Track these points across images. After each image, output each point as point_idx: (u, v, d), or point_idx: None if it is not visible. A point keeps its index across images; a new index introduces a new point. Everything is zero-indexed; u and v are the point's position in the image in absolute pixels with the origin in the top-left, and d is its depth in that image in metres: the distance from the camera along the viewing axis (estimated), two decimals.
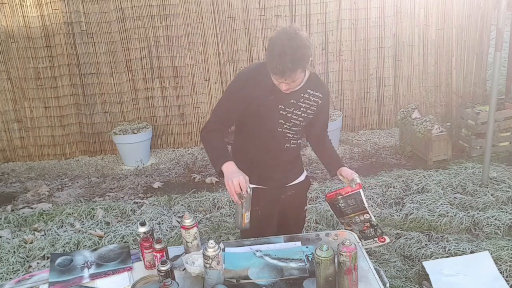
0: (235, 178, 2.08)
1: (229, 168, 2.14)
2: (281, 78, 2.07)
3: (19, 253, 3.65)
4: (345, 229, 2.41)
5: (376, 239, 2.33)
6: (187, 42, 5.45)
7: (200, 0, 5.28)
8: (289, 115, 2.30)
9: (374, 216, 2.33)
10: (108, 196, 4.71)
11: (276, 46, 2.02)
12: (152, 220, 4.01)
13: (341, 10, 5.45)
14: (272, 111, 2.27)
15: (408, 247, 3.41)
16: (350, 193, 2.29)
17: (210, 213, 4.17)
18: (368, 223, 2.31)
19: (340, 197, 2.32)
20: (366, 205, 2.27)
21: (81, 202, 4.56)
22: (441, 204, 3.92)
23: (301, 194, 2.61)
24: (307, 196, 2.72)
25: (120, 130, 5.42)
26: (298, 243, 2.28)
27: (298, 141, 2.45)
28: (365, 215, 2.30)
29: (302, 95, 2.28)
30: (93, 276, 2.13)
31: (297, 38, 2.02)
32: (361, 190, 2.27)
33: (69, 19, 5.28)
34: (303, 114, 2.33)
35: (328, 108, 2.52)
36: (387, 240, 2.35)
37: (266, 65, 2.08)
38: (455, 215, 3.74)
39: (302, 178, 2.56)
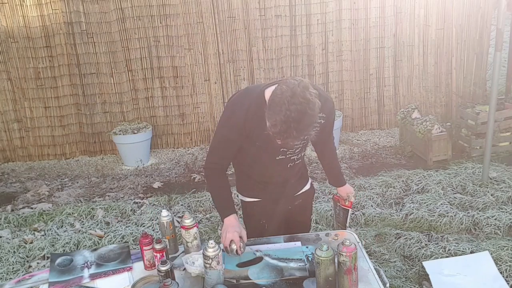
0: (230, 233, 2.13)
1: (230, 221, 2.19)
2: (283, 141, 1.92)
3: (19, 253, 3.65)
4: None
5: None
6: (187, 42, 5.45)
7: (200, 0, 5.28)
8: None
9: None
10: (108, 196, 4.71)
11: (282, 108, 1.79)
12: (152, 220, 4.01)
13: (341, 10, 5.45)
14: (271, 143, 2.02)
15: (408, 247, 3.42)
16: (343, 207, 2.54)
17: (210, 213, 4.17)
18: None
19: (339, 204, 2.57)
20: (347, 224, 2.50)
21: (81, 202, 4.56)
22: (441, 204, 3.92)
23: (307, 203, 2.57)
24: (312, 205, 2.68)
25: (120, 130, 5.42)
26: (298, 243, 2.28)
27: (302, 154, 2.32)
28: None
29: None
30: (93, 276, 2.13)
31: (305, 103, 1.80)
32: (349, 210, 2.49)
33: (69, 19, 5.28)
34: (305, 137, 2.13)
35: (332, 121, 2.31)
36: None
37: (267, 121, 1.86)
38: (455, 215, 3.74)
39: (308, 186, 2.50)
